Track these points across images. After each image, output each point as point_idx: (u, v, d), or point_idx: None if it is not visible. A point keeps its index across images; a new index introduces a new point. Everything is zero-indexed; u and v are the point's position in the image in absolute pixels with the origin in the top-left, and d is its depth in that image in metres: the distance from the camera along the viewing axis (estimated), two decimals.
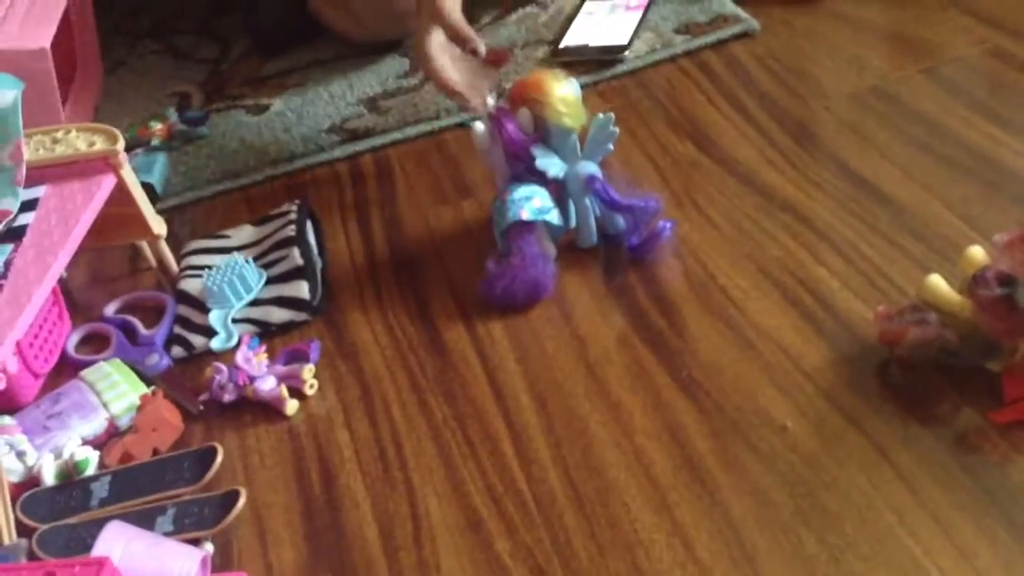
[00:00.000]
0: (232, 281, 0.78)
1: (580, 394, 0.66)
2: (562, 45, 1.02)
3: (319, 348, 0.73)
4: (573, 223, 0.76)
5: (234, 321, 0.77)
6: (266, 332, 0.76)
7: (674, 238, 0.75)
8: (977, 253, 0.60)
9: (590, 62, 0.99)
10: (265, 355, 0.72)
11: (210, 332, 0.76)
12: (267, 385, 0.69)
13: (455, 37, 0.83)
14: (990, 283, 0.55)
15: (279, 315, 0.77)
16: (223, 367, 0.71)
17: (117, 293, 0.83)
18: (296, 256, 0.80)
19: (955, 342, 0.58)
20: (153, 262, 0.85)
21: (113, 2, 1.25)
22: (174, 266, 0.83)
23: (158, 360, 0.74)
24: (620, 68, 0.98)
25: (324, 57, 1.12)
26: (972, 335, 0.58)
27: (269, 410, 0.70)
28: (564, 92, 0.74)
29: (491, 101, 0.77)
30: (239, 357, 0.71)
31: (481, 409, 0.66)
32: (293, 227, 0.83)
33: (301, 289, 0.77)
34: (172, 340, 0.77)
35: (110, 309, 0.81)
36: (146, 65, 1.20)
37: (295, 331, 0.76)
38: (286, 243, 0.82)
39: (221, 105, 1.08)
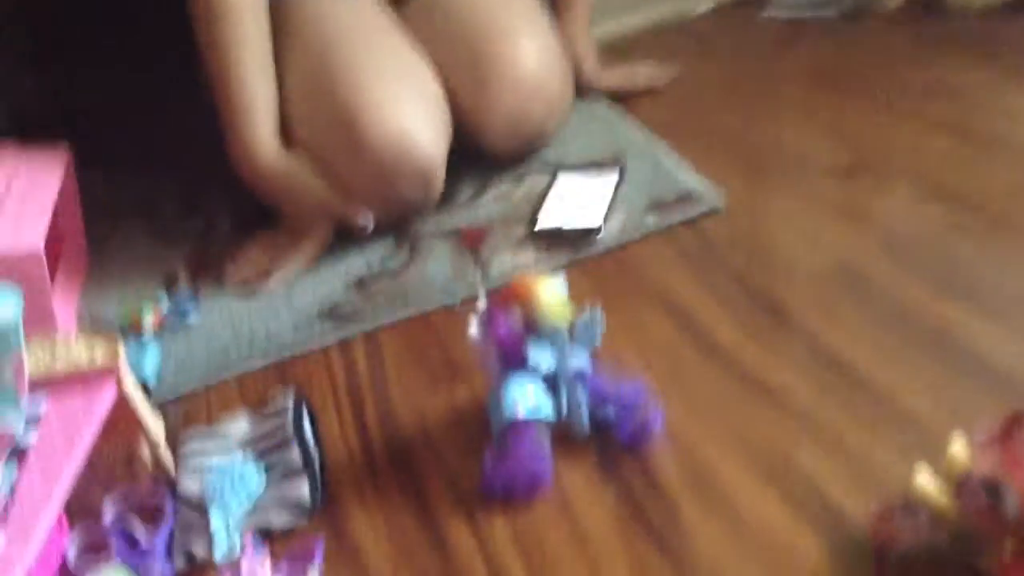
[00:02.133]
0: (233, 483, 0.79)
1: None
2: (537, 228, 1.06)
3: (322, 547, 0.74)
4: (565, 413, 0.79)
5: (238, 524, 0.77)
6: (268, 536, 0.77)
7: (664, 427, 0.78)
8: (959, 453, 0.63)
9: (565, 243, 1.04)
10: (268, 561, 0.72)
11: (209, 537, 0.77)
12: None
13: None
14: (976, 491, 0.58)
15: (279, 520, 0.78)
16: (225, 572, 0.71)
17: (110, 488, 0.83)
18: (295, 455, 0.81)
19: (946, 541, 0.61)
20: (149, 462, 0.85)
21: (94, 179, 1.29)
22: (170, 465, 0.84)
23: (160, 570, 0.74)
24: (595, 249, 1.03)
25: None
26: (962, 534, 0.60)
27: None
28: (552, 293, 0.78)
29: (481, 302, 0.80)
30: (244, 569, 0.71)
31: None
32: (290, 423, 0.85)
33: (301, 490, 0.78)
34: (174, 549, 0.77)
35: (108, 515, 0.81)
36: (130, 242, 1.22)
37: (293, 534, 0.77)
38: (283, 440, 0.83)
39: (209, 284, 1.10)
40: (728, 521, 0.70)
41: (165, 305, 1.05)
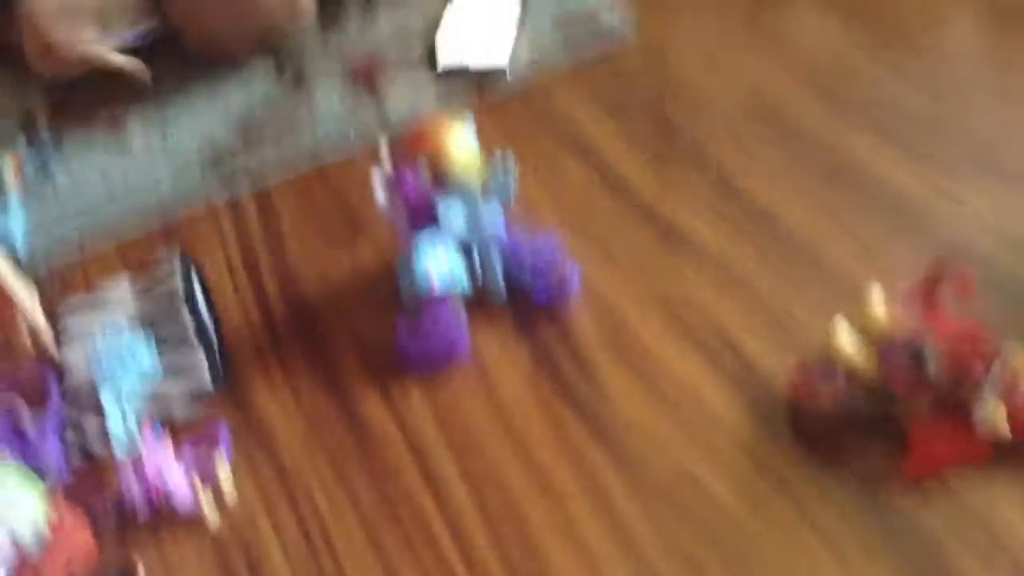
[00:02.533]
0: (123, 361, 0.73)
1: (507, 462, 0.66)
2: (440, 66, 0.98)
3: (226, 429, 0.70)
4: (480, 280, 0.75)
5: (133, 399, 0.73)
6: (165, 413, 0.72)
7: (580, 283, 0.75)
8: (878, 309, 0.62)
9: (469, 81, 0.96)
10: (171, 450, 0.68)
11: (101, 415, 0.71)
12: (182, 493, 0.66)
13: None
14: (898, 355, 0.57)
15: (176, 389, 0.73)
16: (129, 469, 0.67)
17: None
18: (187, 320, 0.76)
19: (862, 396, 0.61)
20: (27, 341, 0.79)
21: None
22: (50, 342, 0.77)
23: (56, 460, 0.69)
24: (501, 85, 0.96)
25: (178, 62, 1.04)
26: (879, 392, 0.61)
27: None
28: (462, 142, 0.72)
29: (384, 152, 0.74)
30: (147, 462, 0.67)
31: (409, 488, 0.66)
32: (182, 284, 0.78)
33: (198, 365, 0.73)
34: (67, 442, 0.71)
35: None
36: None
37: (191, 407, 0.73)
38: (173, 309, 0.77)
39: (74, 132, 0.99)
40: (647, 381, 0.69)
41: (25, 156, 0.94)
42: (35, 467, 0.69)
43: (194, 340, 0.75)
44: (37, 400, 0.73)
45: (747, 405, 0.66)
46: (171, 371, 0.74)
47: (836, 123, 0.84)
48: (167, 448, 0.68)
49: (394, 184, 0.73)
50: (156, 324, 0.77)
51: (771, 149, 0.83)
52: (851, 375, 0.61)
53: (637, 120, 0.89)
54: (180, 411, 0.73)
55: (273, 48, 1.02)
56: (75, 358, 0.75)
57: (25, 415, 0.72)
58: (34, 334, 0.77)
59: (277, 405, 0.72)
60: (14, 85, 1.06)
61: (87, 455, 0.71)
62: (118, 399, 0.72)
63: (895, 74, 0.88)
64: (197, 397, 0.73)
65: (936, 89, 0.85)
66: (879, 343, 0.60)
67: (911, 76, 0.87)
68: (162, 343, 0.76)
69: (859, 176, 0.79)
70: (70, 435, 0.72)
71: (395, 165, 0.73)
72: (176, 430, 0.71)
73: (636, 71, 0.94)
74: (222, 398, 0.73)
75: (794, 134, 0.84)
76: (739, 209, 0.79)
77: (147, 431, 0.69)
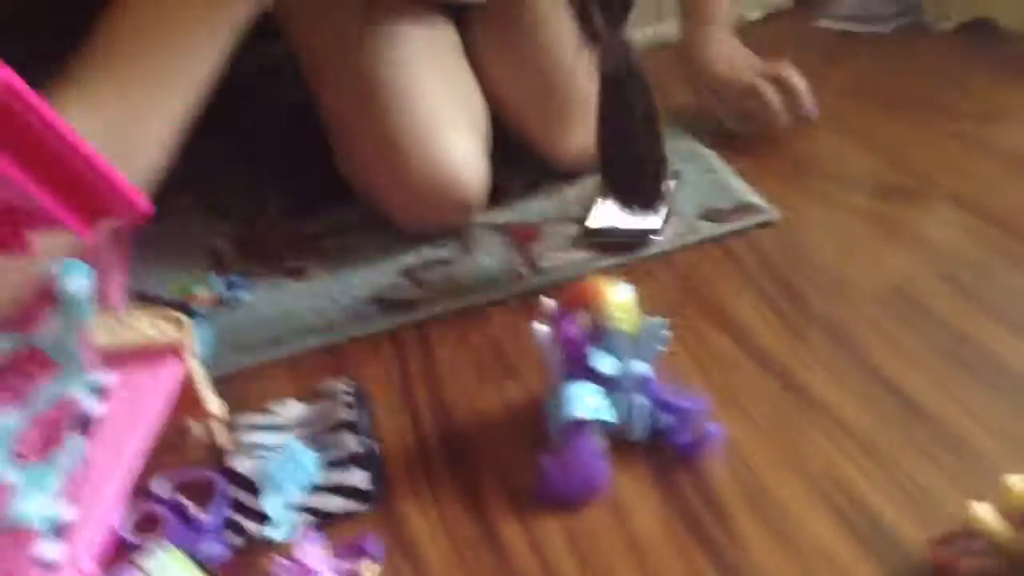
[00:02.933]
0: (289, 466, 0.79)
1: None
2: (592, 225, 1.07)
3: (377, 543, 0.74)
4: (624, 417, 0.79)
5: (293, 507, 0.78)
6: (323, 522, 0.77)
7: (720, 440, 0.78)
8: (1017, 485, 0.64)
9: (619, 244, 1.04)
10: (327, 550, 0.73)
11: (263, 518, 0.77)
12: None
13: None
14: None
15: (336, 504, 0.78)
16: (285, 562, 0.72)
17: (159, 467, 0.84)
18: (352, 442, 0.82)
19: (1006, 567, 0.62)
20: (203, 438, 0.86)
21: None
22: (228, 444, 0.84)
23: (215, 549, 0.74)
24: (647, 253, 1.03)
25: (358, 221, 1.16)
26: (1021, 563, 0.61)
27: None
28: (620, 298, 0.78)
29: (548, 303, 0.81)
30: (302, 551, 0.72)
31: None
32: (348, 410, 0.85)
33: (359, 478, 0.79)
34: (227, 525, 0.77)
35: (161, 488, 0.82)
36: (176, 217, 1.23)
37: (347, 522, 0.77)
38: (340, 427, 0.84)
39: (258, 267, 1.11)
40: (783, 538, 0.71)
41: (216, 284, 1.05)
42: (196, 555, 0.74)
43: (359, 455, 0.81)
44: (202, 501, 0.80)
45: (884, 573, 0.67)
46: (333, 489, 0.80)
47: (973, 316, 0.88)
48: (322, 549, 0.73)
49: (555, 325, 0.79)
50: (323, 444, 0.83)
51: (909, 336, 0.87)
52: (994, 549, 0.63)
53: (779, 298, 0.94)
54: (337, 511, 0.78)
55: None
56: (245, 467, 0.81)
57: (193, 513, 0.79)
58: (213, 436, 0.84)
59: (425, 524, 0.77)
60: (207, 225, 1.20)
61: (243, 534, 0.76)
62: (282, 507, 0.78)
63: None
64: (355, 506, 0.78)
65: None
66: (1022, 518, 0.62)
67: None
68: (328, 463, 0.82)
69: (999, 369, 0.82)
70: (229, 535, 0.77)
71: (557, 313, 0.80)
72: (331, 536, 0.75)
73: (775, 251, 1.01)
74: (375, 514, 0.78)
75: (933, 324, 0.88)
76: (880, 389, 0.82)
77: (307, 532, 0.74)
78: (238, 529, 0.77)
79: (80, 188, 0.60)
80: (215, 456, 0.85)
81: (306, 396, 0.90)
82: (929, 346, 0.86)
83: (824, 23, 1.55)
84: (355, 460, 0.81)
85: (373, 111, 1.07)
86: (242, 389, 0.94)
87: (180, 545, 0.75)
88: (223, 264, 1.12)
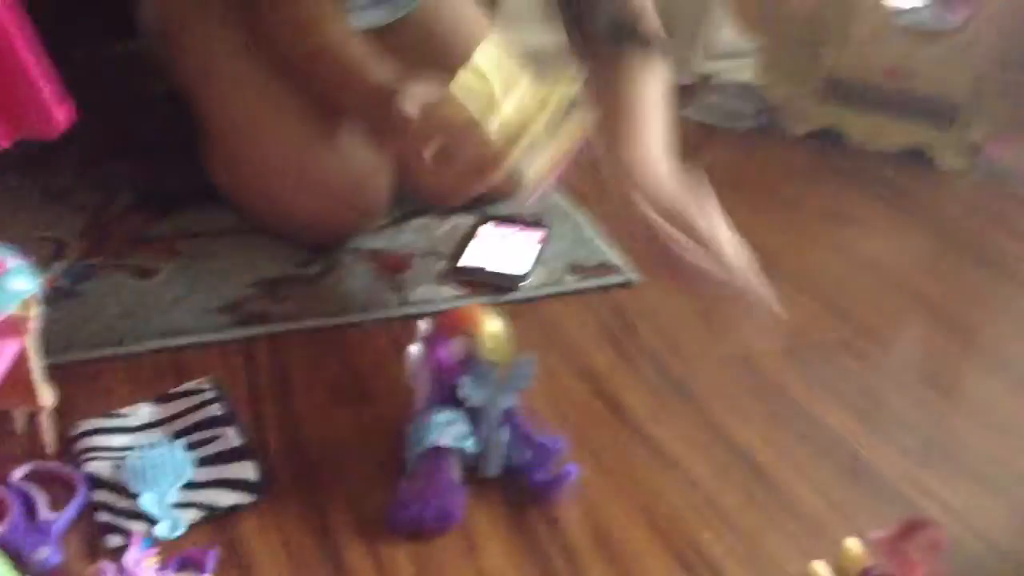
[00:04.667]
0: (161, 464, 0.76)
1: None
2: (461, 264, 1.07)
3: (215, 558, 0.70)
4: (483, 448, 0.79)
5: (173, 505, 0.74)
6: (211, 517, 0.74)
7: (574, 482, 0.79)
8: (855, 547, 0.68)
9: (487, 285, 1.05)
10: (156, 559, 0.68)
11: (145, 518, 0.72)
12: None
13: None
14: None
15: (227, 498, 0.75)
16: (109, 569, 0.66)
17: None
18: (234, 436, 0.79)
19: None
20: (19, 428, 0.79)
21: None
22: (52, 436, 0.78)
23: (48, 556, 0.67)
24: (513, 296, 1.04)
25: (217, 227, 1.12)
26: None
27: None
28: (494, 329, 0.78)
29: (424, 325, 0.80)
30: (129, 560, 0.66)
31: None
32: (217, 406, 0.82)
33: (247, 470, 0.76)
34: (102, 529, 0.72)
35: (16, 474, 0.75)
36: (16, 201, 1.14)
37: (187, 537, 0.72)
38: (213, 423, 0.81)
39: (102, 261, 1.04)
40: None
41: (56, 273, 0.98)
42: (30, 557, 0.68)
43: (240, 454, 0.78)
44: (57, 501, 0.73)
45: None
46: (219, 483, 0.76)
47: (809, 390, 0.93)
48: (152, 553, 0.68)
49: (425, 354, 0.78)
50: (195, 441, 0.79)
51: (753, 402, 0.91)
52: None
53: (636, 354, 0.97)
54: (226, 505, 0.74)
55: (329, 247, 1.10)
56: (100, 469, 0.76)
57: (43, 504, 0.72)
58: (38, 425, 0.78)
59: (264, 543, 0.73)
60: (51, 215, 1.12)
61: (126, 535, 0.70)
62: (161, 505, 0.73)
63: (871, 368, 0.98)
64: (244, 500, 0.75)
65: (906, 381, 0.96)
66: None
67: (883, 372, 0.98)
68: (205, 459, 0.78)
69: (830, 440, 0.87)
70: (102, 517, 0.72)
71: (432, 337, 0.79)
72: (165, 549, 0.70)
73: (633, 311, 1.04)
74: (209, 529, 0.74)
75: (774, 393, 0.93)
76: (723, 448, 0.85)
77: (135, 539, 0.69)
78: (118, 531, 0.71)
79: (5, 96, 0.55)
80: (36, 449, 0.78)
81: (153, 397, 0.85)
82: (769, 413, 0.90)
83: (686, 113, 1.64)
84: (238, 453, 0.78)
85: (274, 114, 1.04)
86: (76, 385, 0.87)
87: (15, 544, 0.68)
88: (64, 254, 1.05)
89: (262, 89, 1.05)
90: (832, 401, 0.92)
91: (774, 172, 1.44)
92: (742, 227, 1.23)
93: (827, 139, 1.52)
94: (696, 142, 1.54)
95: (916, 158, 1.46)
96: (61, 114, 0.60)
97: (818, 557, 0.73)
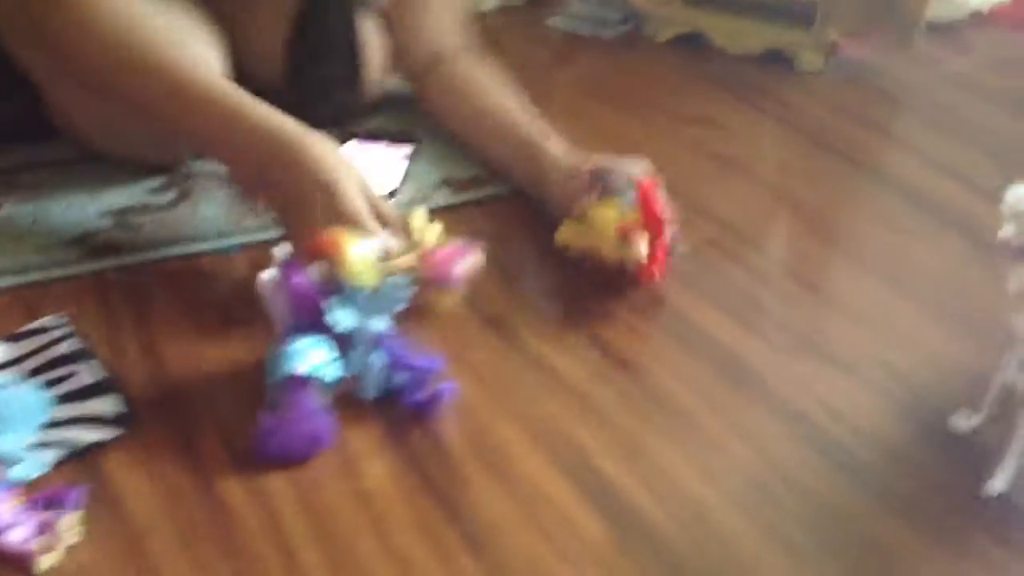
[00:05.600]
0: (15, 404, 0.72)
1: (368, 549, 0.66)
2: None
3: (81, 494, 0.67)
4: (355, 372, 0.77)
5: (33, 446, 0.70)
6: (74, 455, 0.71)
7: (452, 399, 0.78)
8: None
9: None
10: (19, 500, 0.65)
11: (2, 460, 0.68)
12: (18, 536, 0.62)
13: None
14: None
15: (88, 436, 0.71)
16: None
17: None
18: (92, 371, 0.76)
19: None
20: None
21: None
22: None
23: None
24: None
25: (60, 157, 1.05)
26: None
27: (16, 566, 0.62)
28: (361, 252, 0.76)
29: (281, 251, 0.76)
30: None
31: (265, 568, 0.64)
32: (72, 341, 0.79)
33: (109, 404, 0.74)
34: None
35: None
36: None
37: (49, 477, 0.69)
38: (69, 359, 0.77)
39: None
40: (507, 484, 0.72)
41: None
42: None
43: (100, 388, 0.75)
44: None
45: (603, 521, 0.70)
46: (77, 420, 0.73)
47: (685, 293, 0.94)
48: (16, 493, 0.64)
49: (281, 280, 0.75)
50: (49, 380, 0.76)
51: (625, 308, 0.92)
52: None
53: (507, 266, 0.96)
54: (90, 441, 0.71)
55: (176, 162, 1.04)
56: None
57: None
58: None
59: (133, 478, 0.70)
60: None
61: None
62: (19, 446, 0.70)
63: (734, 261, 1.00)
64: (107, 436, 0.72)
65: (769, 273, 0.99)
66: None
67: (749, 265, 1.00)
68: (62, 396, 0.74)
69: (708, 341, 0.89)
70: None
71: (286, 263, 0.76)
72: (29, 490, 0.67)
73: (506, 223, 1.03)
74: (72, 468, 0.70)
75: (649, 298, 0.94)
76: (600, 354, 0.86)
77: None
78: None
79: None
80: None
81: (3, 336, 0.79)
82: (644, 318, 0.91)
83: (552, 22, 1.61)
84: (97, 388, 0.75)
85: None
86: None
87: None
88: None
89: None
90: (705, 301, 0.94)
91: (641, 79, 1.44)
92: (610, 134, 1.24)
93: (691, 44, 1.52)
94: (563, 52, 1.53)
95: (776, 59, 1.48)
96: None
97: (695, 452, 0.76)
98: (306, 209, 0.83)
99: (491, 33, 1.29)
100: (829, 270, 1.03)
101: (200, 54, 0.91)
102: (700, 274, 0.98)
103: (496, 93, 1.11)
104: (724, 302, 0.94)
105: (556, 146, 1.02)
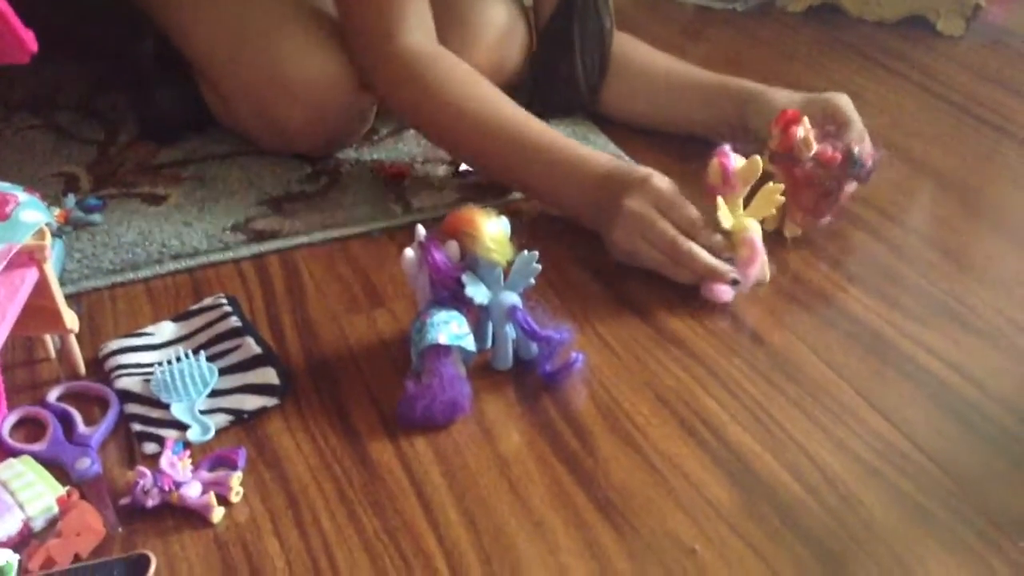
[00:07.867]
0: (189, 373, 0.80)
1: (506, 511, 0.70)
2: (462, 167, 1.08)
3: (245, 455, 0.74)
4: (488, 345, 0.82)
5: (202, 412, 0.78)
6: (239, 420, 0.78)
7: (583, 369, 0.82)
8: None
9: (487, 188, 1.06)
10: (189, 460, 0.72)
11: (177, 425, 0.77)
12: (193, 491, 0.70)
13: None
14: None
15: (252, 402, 0.79)
16: (147, 472, 0.70)
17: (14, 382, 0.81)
18: (253, 345, 0.83)
19: None
20: (52, 353, 0.83)
21: None
22: (79, 358, 0.82)
23: (89, 465, 0.72)
24: (515, 195, 1.06)
25: (220, 151, 1.14)
26: None
27: (193, 517, 0.70)
28: (494, 230, 0.80)
29: (421, 230, 0.82)
30: (164, 462, 0.71)
31: (411, 523, 0.70)
32: (235, 318, 0.86)
33: (269, 375, 0.81)
34: (138, 438, 0.76)
35: (52, 395, 0.79)
36: (26, 141, 1.16)
37: (216, 440, 0.77)
38: (233, 334, 0.85)
39: (114, 192, 1.07)
40: (638, 452, 0.75)
41: (71, 205, 1.01)
42: (69, 472, 0.72)
43: (261, 360, 0.82)
44: (91, 417, 0.78)
45: (728, 481, 0.72)
46: (242, 385, 0.80)
47: (815, 265, 0.94)
48: (186, 456, 0.72)
49: (423, 256, 0.80)
50: (216, 353, 0.84)
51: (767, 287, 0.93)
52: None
53: None
54: (252, 408, 0.79)
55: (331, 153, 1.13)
56: (131, 385, 0.80)
57: (79, 427, 0.76)
58: (67, 349, 0.81)
59: (291, 441, 0.76)
60: (59, 149, 1.14)
61: (162, 443, 0.74)
62: (191, 412, 0.78)
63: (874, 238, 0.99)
64: (269, 403, 0.79)
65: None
66: None
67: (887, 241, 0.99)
68: (227, 368, 0.82)
69: (847, 316, 0.89)
70: (136, 427, 0.77)
71: (426, 240, 0.81)
72: (198, 452, 0.75)
73: None
74: (238, 431, 0.77)
75: (785, 274, 0.94)
76: (729, 326, 0.88)
77: (168, 443, 0.73)
78: (155, 439, 0.75)
79: None
80: (67, 371, 0.82)
81: (173, 315, 0.88)
82: (772, 288, 0.92)
83: None
84: (258, 360, 0.82)
85: (249, 27, 1.05)
86: (98, 309, 0.91)
87: (57, 457, 0.72)
88: (78, 188, 1.07)
89: (228, 5, 1.06)
90: (840, 272, 0.94)
91: (775, 51, 1.43)
92: None
93: (826, 13, 1.50)
94: (695, 26, 1.53)
95: (914, 25, 1.44)
96: (30, 39, 0.62)
97: (825, 423, 0.77)
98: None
99: (621, 10, 1.31)
100: (971, 239, 1.01)
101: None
102: (835, 244, 0.97)
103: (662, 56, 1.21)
104: (859, 271, 0.94)
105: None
